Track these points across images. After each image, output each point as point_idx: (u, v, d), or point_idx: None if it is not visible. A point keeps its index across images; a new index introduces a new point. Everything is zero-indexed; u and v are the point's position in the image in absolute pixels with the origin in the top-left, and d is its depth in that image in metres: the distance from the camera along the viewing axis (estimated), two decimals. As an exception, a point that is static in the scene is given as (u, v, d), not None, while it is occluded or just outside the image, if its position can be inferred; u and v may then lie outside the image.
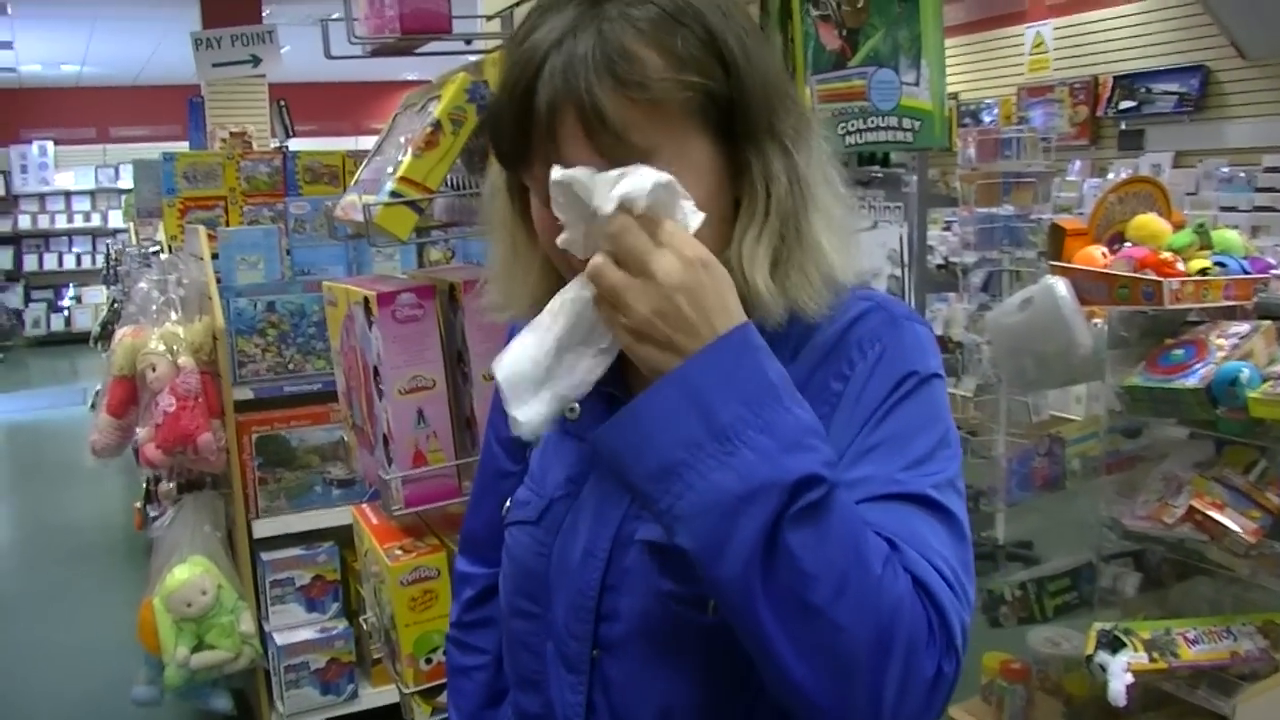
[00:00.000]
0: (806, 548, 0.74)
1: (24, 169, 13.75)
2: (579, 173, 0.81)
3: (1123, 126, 7.09)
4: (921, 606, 0.77)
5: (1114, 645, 2.10)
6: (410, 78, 12.76)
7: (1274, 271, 2.30)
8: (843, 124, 1.69)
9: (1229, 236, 2.37)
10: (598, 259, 0.79)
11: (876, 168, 1.98)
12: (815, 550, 0.74)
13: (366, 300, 1.62)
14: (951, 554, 0.82)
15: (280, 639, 2.94)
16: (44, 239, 13.90)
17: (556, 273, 0.93)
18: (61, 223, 13.96)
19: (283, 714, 2.93)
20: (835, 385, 0.89)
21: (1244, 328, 2.15)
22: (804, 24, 1.67)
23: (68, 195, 14.00)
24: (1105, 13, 7.26)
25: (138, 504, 4.55)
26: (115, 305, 7.19)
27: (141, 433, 2.90)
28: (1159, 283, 2.17)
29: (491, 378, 0.88)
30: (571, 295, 0.85)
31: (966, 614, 0.80)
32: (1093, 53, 7.35)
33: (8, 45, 11.39)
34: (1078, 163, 7.35)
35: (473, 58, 1.87)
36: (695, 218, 0.81)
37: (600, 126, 0.81)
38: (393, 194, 1.58)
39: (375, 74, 12.75)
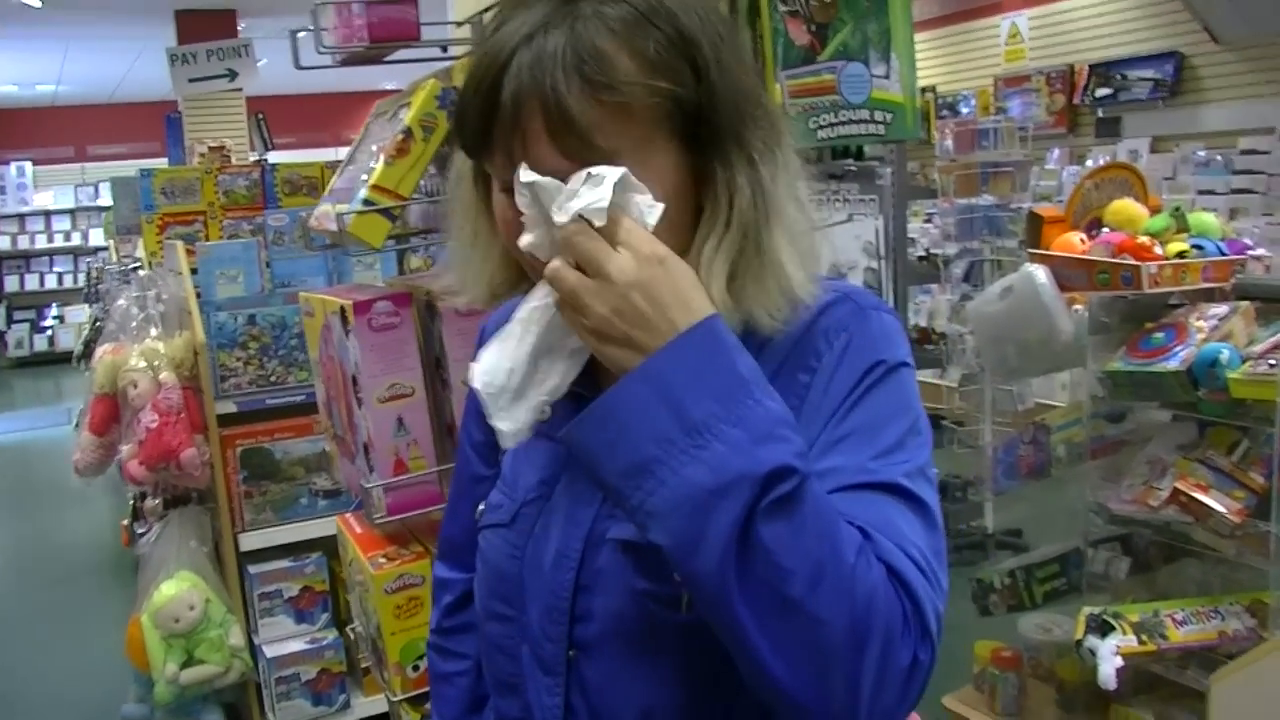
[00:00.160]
0: (780, 540, 0.74)
1: (2, 190, 13.71)
2: (545, 180, 0.81)
3: (1100, 114, 7.12)
4: (896, 596, 0.77)
5: (1103, 629, 2.10)
6: (389, 87, 12.75)
7: (1251, 253, 2.31)
8: (814, 118, 1.69)
9: (1205, 219, 2.37)
10: (555, 263, 0.80)
11: (850, 161, 1.98)
12: (789, 543, 0.74)
13: (343, 309, 1.61)
14: (924, 542, 0.82)
15: (270, 651, 2.92)
16: (25, 259, 13.84)
17: (515, 263, 0.93)
18: (42, 243, 13.90)
19: (276, 727, 2.91)
20: (803, 377, 0.89)
21: (1223, 309, 2.16)
22: (772, 20, 1.67)
23: (47, 215, 13.95)
24: (1079, 1, 7.29)
25: (125, 521, 4.53)
26: (97, 324, 7.16)
27: (125, 450, 2.88)
28: (1138, 267, 2.18)
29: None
30: (538, 303, 0.85)
31: (941, 602, 0.80)
32: (1068, 41, 7.38)
33: (-18, 66, 11.35)
34: (1056, 151, 7.38)
35: (446, 64, 1.86)
36: (653, 212, 0.81)
37: (564, 126, 0.81)
38: (365, 202, 1.57)
39: (353, 84, 12.72)
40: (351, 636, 2.03)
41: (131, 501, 4.06)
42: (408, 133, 1.58)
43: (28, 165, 13.77)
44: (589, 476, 0.82)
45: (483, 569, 1.02)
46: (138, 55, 11.31)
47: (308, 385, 2.98)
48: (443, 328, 1.63)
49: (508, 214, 0.87)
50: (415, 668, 1.69)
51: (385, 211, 1.58)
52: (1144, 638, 2.06)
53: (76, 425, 3.38)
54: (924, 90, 8.13)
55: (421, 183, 1.66)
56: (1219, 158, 6.35)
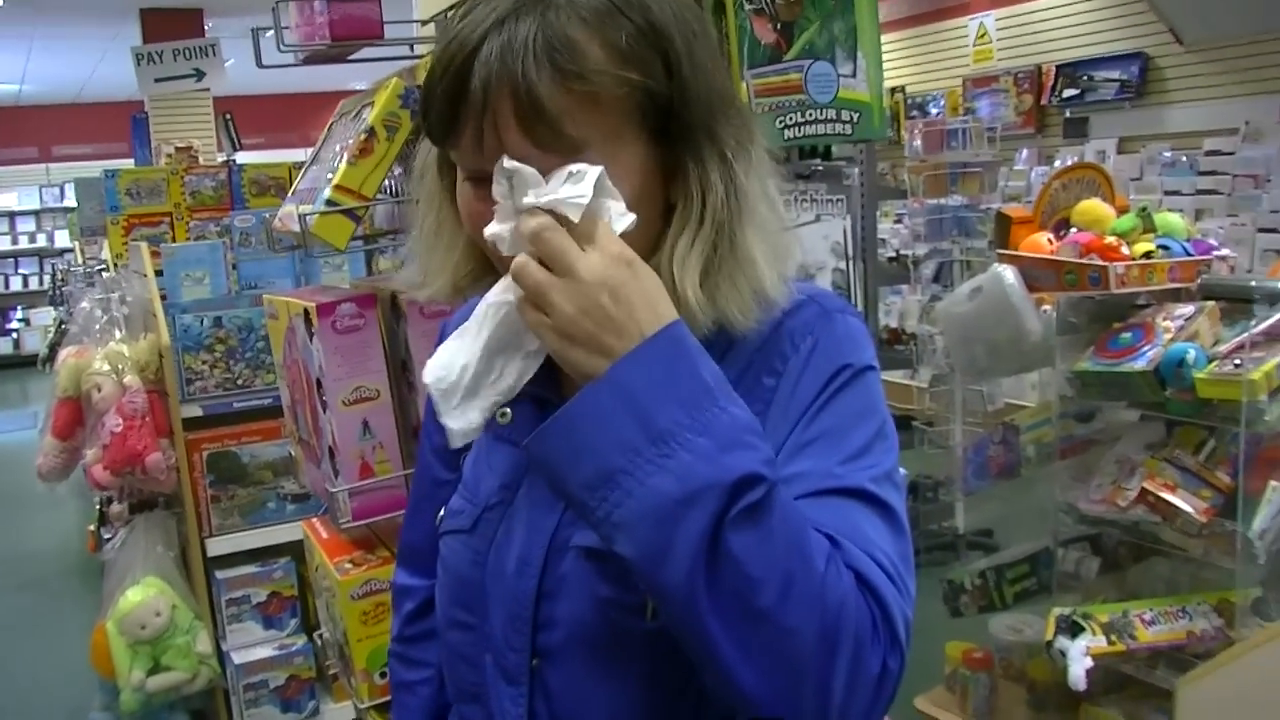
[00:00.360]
0: (749, 550, 0.73)
1: (-35, 191, 13.53)
2: (526, 169, 0.79)
3: (1067, 114, 7.17)
4: (865, 603, 0.76)
5: (1073, 630, 2.11)
6: (358, 86, 12.67)
7: (1216, 253, 2.33)
8: (781, 118, 1.68)
9: (1171, 219, 2.39)
10: (521, 259, 0.78)
11: (818, 161, 1.98)
12: (758, 552, 0.73)
13: (306, 312, 1.59)
14: (891, 548, 0.81)
15: (238, 657, 2.89)
16: (-11, 261, 13.69)
17: (478, 255, 0.92)
18: (6, 244, 13.75)
19: (243, 734, 2.88)
20: (768, 381, 0.88)
21: (1189, 309, 2.17)
22: (738, 18, 1.67)
23: (11, 216, 13.79)
24: (1046, 2, 7.35)
25: (91, 527, 4.48)
26: (62, 326, 7.07)
27: (89, 454, 2.84)
28: (1105, 268, 2.19)
29: None
30: (496, 299, 0.83)
31: (909, 608, 0.80)
32: (1035, 42, 7.44)
33: (-56, 65, 11.20)
34: (1025, 151, 7.43)
35: (411, 62, 1.84)
36: (623, 220, 0.80)
37: (534, 113, 0.79)
38: (328, 203, 1.55)
39: (323, 84, 12.64)
40: (319, 643, 2.00)
41: (99, 506, 4.01)
42: (371, 132, 1.57)
43: (-9, 166, 13.60)
44: (552, 488, 0.81)
45: (444, 576, 1.01)
46: (103, 55, 11.19)
47: (275, 388, 2.95)
48: (408, 329, 1.61)
49: (472, 204, 0.86)
50: (383, 674, 1.67)
51: (349, 212, 1.56)
52: (1113, 638, 2.07)
53: (42, 429, 3.34)
54: (893, 90, 8.17)
55: (386, 182, 1.64)
56: (1184, 158, 6.41)
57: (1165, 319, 2.18)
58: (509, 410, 0.95)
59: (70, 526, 5.86)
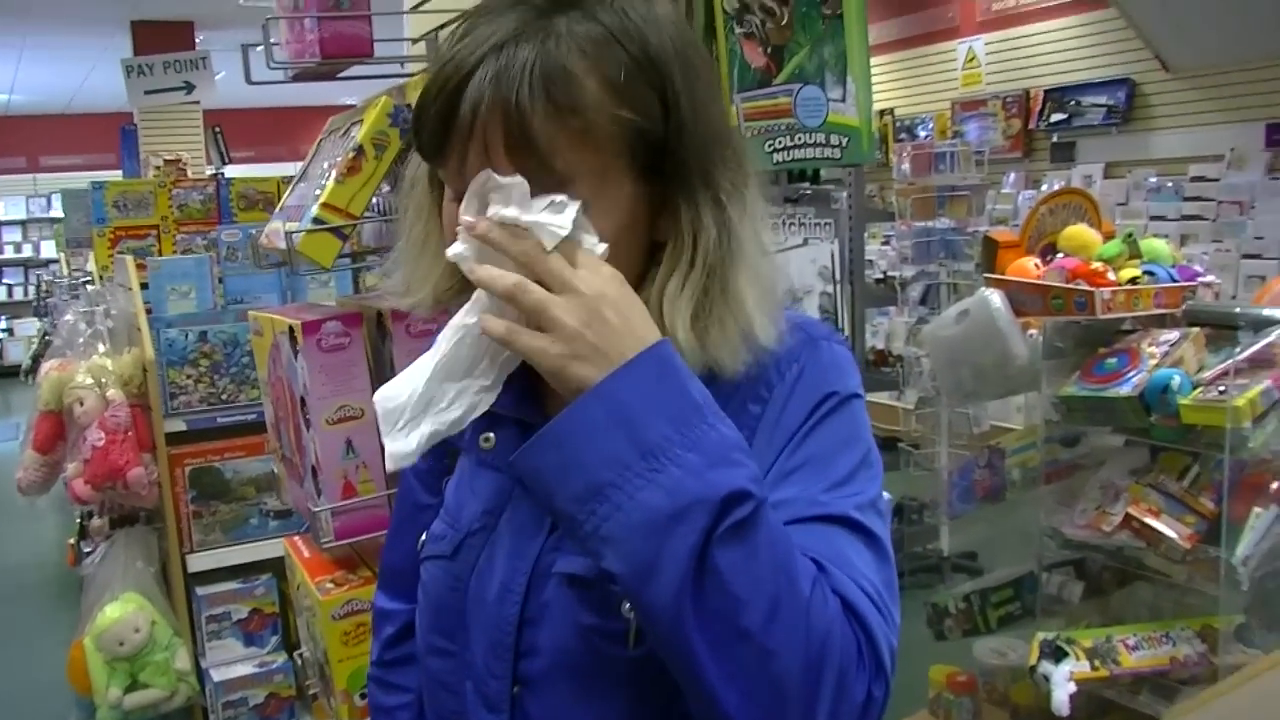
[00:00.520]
0: (736, 568, 0.73)
1: (-48, 200, 13.48)
2: (515, 183, 0.79)
3: (1055, 139, 7.22)
4: (851, 630, 0.76)
5: (1057, 654, 2.10)
6: (348, 101, 12.68)
7: (1201, 279, 2.34)
8: (770, 141, 1.68)
9: (1157, 245, 2.40)
10: (511, 280, 0.77)
11: (806, 184, 1.98)
12: (745, 570, 0.73)
13: (291, 329, 1.58)
14: (876, 576, 0.81)
15: (217, 675, 2.86)
16: (-26, 271, 13.62)
17: (460, 271, 0.92)
18: (-9, 254, 13.69)
19: (222, 753, 2.85)
20: (753, 408, 0.87)
21: (1174, 335, 2.18)
22: (728, 42, 1.67)
23: (-2, 226, 13.74)
24: (1034, 27, 7.40)
25: (71, 540, 4.43)
26: (46, 338, 7.04)
27: (70, 468, 2.82)
28: (1091, 293, 2.19)
29: None
30: (458, 323, 0.83)
31: (894, 636, 0.79)
32: (1023, 67, 7.49)
33: (-68, 74, 11.18)
34: (1012, 175, 7.47)
35: (401, 80, 1.84)
36: (597, 250, 0.80)
37: (524, 143, 0.79)
38: (315, 220, 1.54)
39: (313, 98, 12.65)
40: (299, 662, 1.99)
41: (79, 520, 3.98)
42: (359, 150, 1.56)
43: (-22, 175, 13.55)
44: (539, 503, 0.80)
45: (424, 602, 1.00)
46: (93, 66, 11.18)
47: (259, 404, 2.92)
48: (394, 348, 1.60)
49: (455, 222, 0.85)
50: (363, 696, 1.65)
51: (336, 230, 1.55)
52: (1097, 663, 2.07)
53: (23, 442, 3.32)
54: (882, 113, 8.21)
55: (374, 200, 1.64)
56: (1170, 184, 6.46)
57: (1150, 345, 2.18)
58: (492, 435, 0.95)
59: (49, 539, 5.81)
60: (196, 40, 9.73)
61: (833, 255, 1.89)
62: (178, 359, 2.95)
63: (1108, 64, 6.87)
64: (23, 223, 13.84)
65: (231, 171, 8.07)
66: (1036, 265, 2.37)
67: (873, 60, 1.89)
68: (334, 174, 1.58)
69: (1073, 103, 7.03)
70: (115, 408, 2.76)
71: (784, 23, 1.71)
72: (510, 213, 0.78)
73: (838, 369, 0.90)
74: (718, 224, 0.86)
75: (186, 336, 2.95)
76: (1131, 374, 2.14)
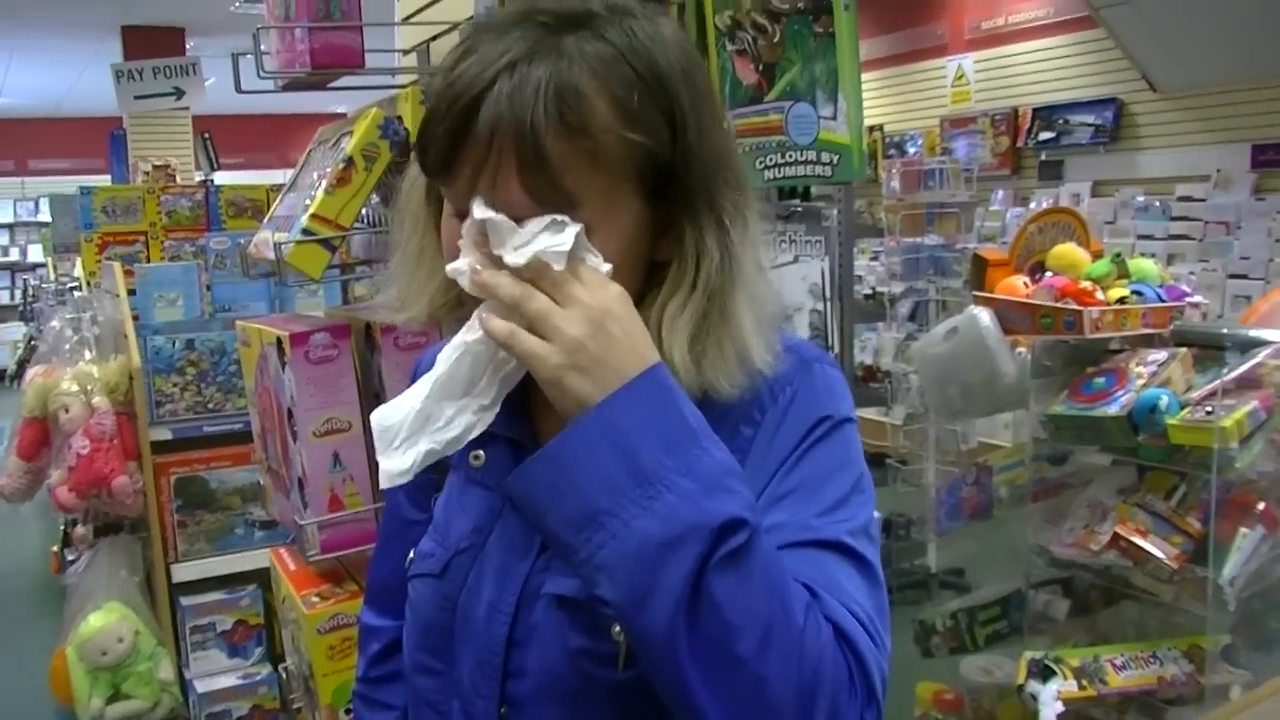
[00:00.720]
0: (731, 595, 0.72)
1: (-62, 203, 13.41)
2: (499, 219, 0.79)
3: (1043, 157, 7.25)
4: (843, 656, 0.76)
5: (1044, 674, 2.10)
6: (339, 110, 12.68)
7: (1188, 300, 2.35)
8: (761, 158, 1.69)
9: (1145, 266, 2.41)
10: (517, 289, 0.77)
11: (797, 201, 1.99)
12: (739, 598, 0.72)
13: (279, 340, 1.58)
14: (868, 601, 0.81)
15: (201, 686, 2.84)
16: (-41, 274, 13.54)
17: (457, 284, 0.91)
18: (-23, 257, 13.61)
19: (204, 765, 2.82)
20: (746, 430, 0.87)
21: (1161, 355, 2.18)
22: (720, 59, 1.67)
23: (-15, 229, 13.67)
24: (1023, 46, 7.44)
25: (55, 548, 4.40)
26: (32, 343, 7.00)
27: (55, 475, 2.80)
28: (1080, 312, 2.20)
29: None
30: (459, 341, 0.82)
31: (885, 662, 0.79)
32: (1012, 85, 7.53)
33: (-80, 77, 11.14)
34: (1000, 192, 7.50)
35: (392, 92, 1.84)
36: (601, 269, 0.80)
37: (537, 163, 0.79)
38: (305, 231, 1.54)
39: (303, 106, 12.64)
40: (284, 674, 1.97)
41: (63, 528, 3.95)
42: (349, 162, 1.55)
43: (-35, 178, 13.48)
44: (533, 527, 0.79)
45: (412, 620, 0.99)
46: (83, 70, 11.16)
47: (246, 413, 2.90)
48: (382, 361, 1.60)
49: (456, 238, 0.85)
50: (348, 710, 1.64)
51: (325, 242, 1.55)
52: (1084, 683, 2.07)
53: (6, 448, 3.30)
54: (871, 129, 8.23)
55: (363, 212, 1.63)
56: (1157, 203, 6.50)
57: (1138, 364, 2.19)
58: (482, 453, 0.94)
59: (32, 546, 5.76)
60: (187, 46, 9.71)
61: (823, 272, 1.89)
62: (164, 367, 2.93)
63: (1096, 83, 6.92)
64: (10, 226, 13.77)
65: (220, 178, 8.05)
66: (1025, 284, 2.38)
67: (863, 77, 1.89)
68: (324, 185, 1.57)
69: (1061, 121, 7.07)
70: (100, 415, 2.74)
71: (776, 40, 1.71)
72: (512, 258, 0.78)
73: (830, 393, 0.89)
74: (720, 247, 0.86)
75: (173, 344, 2.94)
76: (1119, 393, 2.14)
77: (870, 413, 5.09)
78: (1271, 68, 5.84)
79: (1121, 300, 2.26)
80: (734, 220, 0.87)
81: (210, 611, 2.90)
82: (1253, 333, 2.17)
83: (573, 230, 0.79)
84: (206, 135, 8.86)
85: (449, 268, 0.82)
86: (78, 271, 4.53)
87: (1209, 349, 2.19)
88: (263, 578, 2.87)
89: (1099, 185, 6.92)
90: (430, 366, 1.05)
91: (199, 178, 8.69)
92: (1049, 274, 2.37)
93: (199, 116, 9.71)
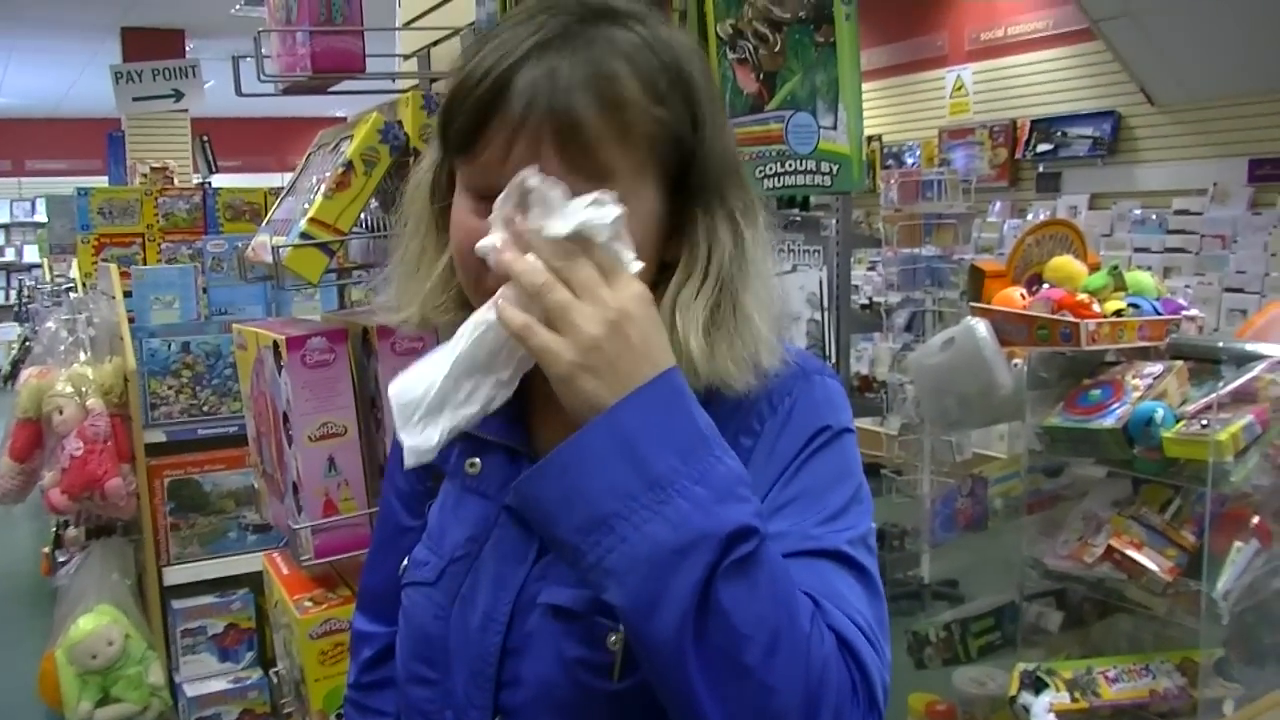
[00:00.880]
0: (739, 604, 0.72)
1: (-65, 202, 13.39)
2: (554, 191, 0.78)
3: (1040, 169, 7.27)
4: (846, 666, 0.76)
5: (1037, 686, 2.10)
6: (338, 114, 12.68)
7: (1185, 313, 2.35)
8: (760, 167, 1.69)
9: (1142, 278, 2.41)
10: (541, 275, 0.76)
11: (796, 211, 1.99)
12: (747, 606, 0.72)
13: (275, 344, 1.57)
14: (869, 611, 0.81)
15: (191, 690, 2.83)
16: (-45, 273, 13.53)
17: (455, 286, 0.91)
18: (-27, 257, 13.60)
19: (193, 769, 2.81)
20: (745, 441, 0.87)
21: (1157, 368, 2.18)
22: (721, 67, 1.67)
23: (-20, 229, 13.66)
24: (1022, 58, 7.46)
25: (46, 549, 4.39)
26: (26, 343, 6.98)
27: (48, 477, 2.79)
28: (1077, 324, 2.20)
29: None
30: (480, 318, 0.80)
31: (886, 673, 0.79)
32: (1011, 97, 7.54)
33: (-81, 75, 11.13)
34: (998, 204, 7.51)
35: (392, 96, 1.84)
36: (633, 267, 0.79)
37: (573, 134, 0.79)
38: (303, 235, 1.53)
39: (302, 109, 12.66)
40: (275, 679, 1.97)
41: (54, 529, 3.94)
42: (349, 166, 1.55)
43: (-38, 178, 13.48)
44: (540, 531, 0.78)
45: (406, 629, 0.98)
46: (82, 71, 11.16)
47: (241, 416, 2.89)
48: (378, 366, 1.59)
49: (470, 220, 0.84)
50: (339, 716, 1.64)
51: (323, 246, 1.54)
52: (1077, 695, 2.07)
53: (-1, 448, 3.30)
54: (870, 139, 8.25)
55: (362, 217, 1.63)
56: (1154, 216, 6.51)
57: (1134, 377, 2.19)
58: (478, 461, 0.94)
59: (23, 547, 5.74)
60: (187, 48, 9.71)
61: (821, 282, 1.90)
62: (159, 369, 2.93)
63: (1094, 96, 6.94)
64: (6, 226, 13.77)
65: (218, 181, 8.06)
66: (1022, 295, 2.38)
67: (862, 87, 1.89)
68: (323, 189, 1.57)
69: (1059, 134, 7.09)
70: (95, 417, 2.74)
71: (777, 49, 1.71)
72: (555, 226, 0.77)
73: (830, 404, 0.90)
74: (733, 240, 0.87)
75: (169, 347, 2.93)
76: (1115, 406, 2.15)
77: (866, 423, 5.09)
78: (1269, 82, 5.86)
79: (1118, 313, 2.26)
80: (745, 217, 0.89)
81: (201, 615, 2.90)
82: (1248, 346, 2.17)
83: (616, 210, 0.78)
84: (205, 138, 8.87)
85: (480, 244, 0.80)
86: (74, 273, 4.53)
87: (1205, 362, 2.19)
88: (254, 581, 2.87)
89: (1096, 198, 6.94)
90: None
91: (197, 180, 8.69)
92: (1046, 286, 2.38)
93: (197, 119, 9.71)
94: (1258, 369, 2.06)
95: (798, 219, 1.94)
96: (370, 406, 1.65)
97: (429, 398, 0.81)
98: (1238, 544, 2.05)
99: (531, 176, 0.78)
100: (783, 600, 0.74)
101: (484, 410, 0.81)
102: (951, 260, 4.51)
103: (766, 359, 0.86)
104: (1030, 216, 7.05)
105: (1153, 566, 2.06)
